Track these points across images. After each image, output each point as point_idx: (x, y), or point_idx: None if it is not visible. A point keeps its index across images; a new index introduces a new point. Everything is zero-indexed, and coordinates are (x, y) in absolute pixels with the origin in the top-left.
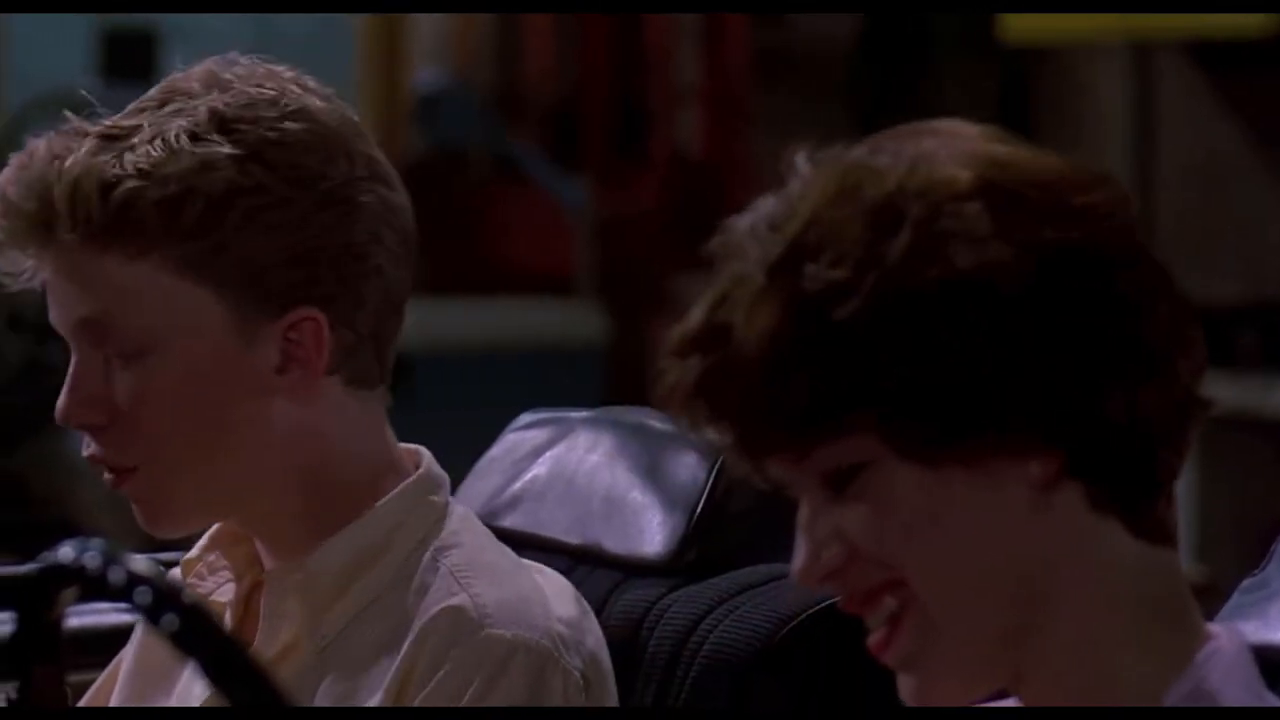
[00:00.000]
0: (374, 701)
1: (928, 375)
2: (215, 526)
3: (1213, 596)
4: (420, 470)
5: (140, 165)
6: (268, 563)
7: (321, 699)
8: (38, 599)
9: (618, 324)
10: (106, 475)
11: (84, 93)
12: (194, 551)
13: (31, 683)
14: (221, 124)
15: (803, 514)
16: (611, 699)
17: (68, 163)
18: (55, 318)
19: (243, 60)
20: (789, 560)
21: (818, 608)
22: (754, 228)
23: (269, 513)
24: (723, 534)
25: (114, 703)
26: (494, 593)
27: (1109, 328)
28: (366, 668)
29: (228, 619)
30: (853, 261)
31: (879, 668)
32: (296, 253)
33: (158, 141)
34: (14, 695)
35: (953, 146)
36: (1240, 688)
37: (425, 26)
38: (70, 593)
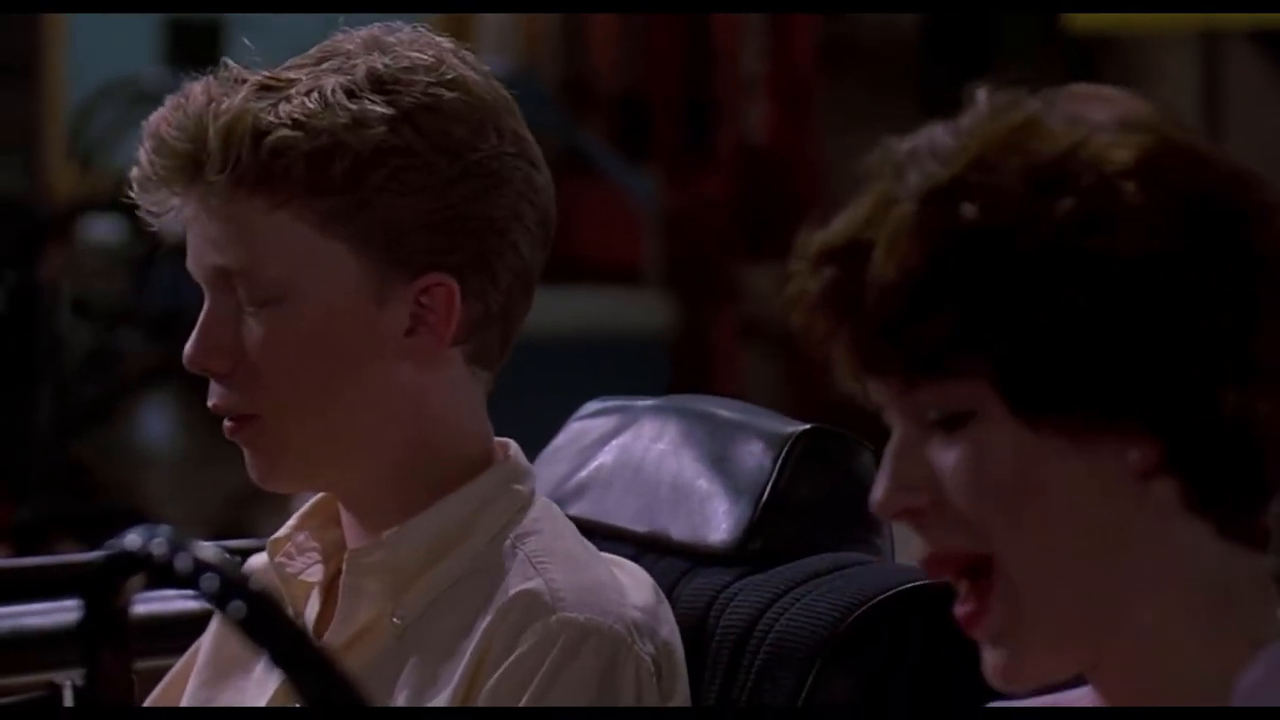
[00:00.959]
0: (451, 685)
1: (1051, 337)
2: (306, 506)
3: None
4: (508, 459)
5: (295, 115)
6: (351, 544)
7: (402, 685)
8: (104, 586)
9: (684, 314)
10: (226, 423)
11: (149, 82)
12: (283, 531)
13: (98, 670)
14: (378, 84)
15: (894, 444)
16: (683, 689)
17: (223, 105)
18: (193, 261)
19: (405, 27)
20: (854, 549)
21: (884, 596)
22: (916, 153)
23: (368, 481)
24: (788, 522)
25: (189, 689)
26: (569, 578)
27: (1239, 326)
28: (445, 652)
29: (314, 599)
30: (1009, 212)
31: (945, 656)
32: (436, 219)
33: (314, 94)
34: (81, 682)
35: (1128, 120)
36: None
37: (492, 18)
38: (137, 580)
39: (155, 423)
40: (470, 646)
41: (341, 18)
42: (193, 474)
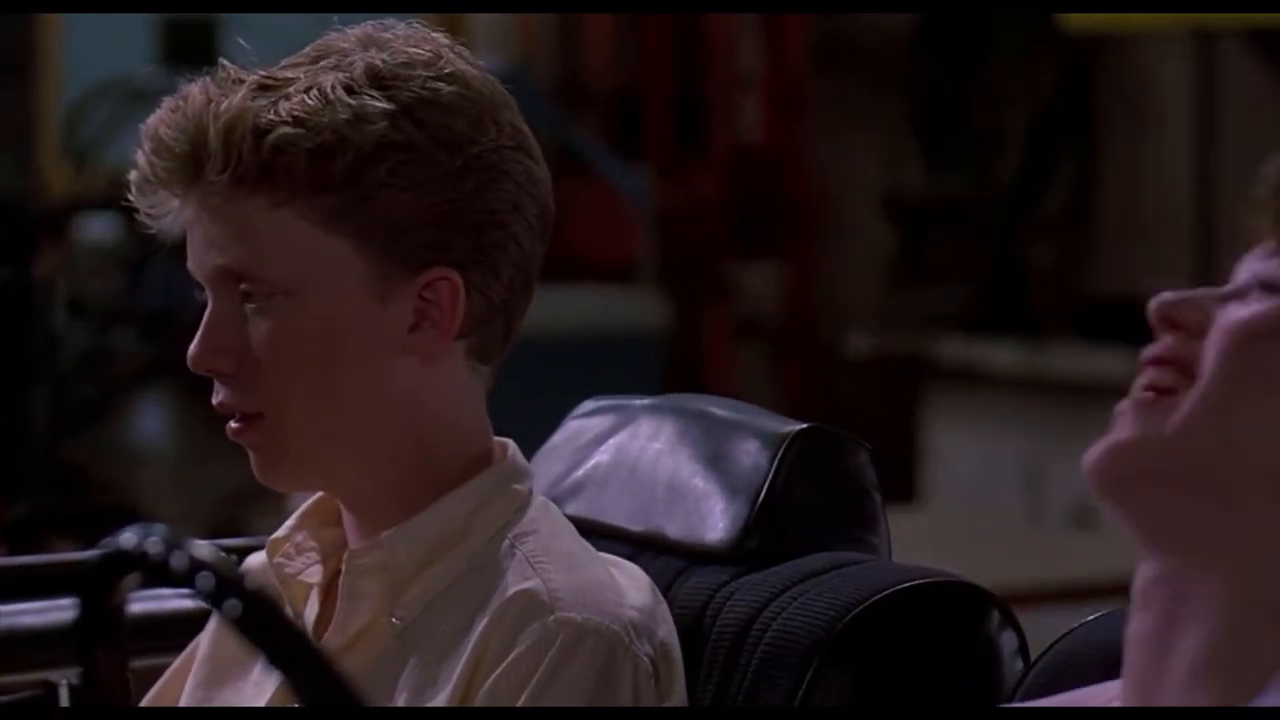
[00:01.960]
0: (450, 685)
1: None
2: (305, 505)
3: None
4: (506, 458)
5: (295, 113)
6: (351, 544)
7: (401, 685)
8: (100, 585)
9: (678, 313)
10: (231, 425)
11: (144, 81)
12: (282, 531)
13: (94, 669)
14: (377, 79)
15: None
16: (680, 689)
17: (222, 105)
18: (194, 263)
19: (400, 24)
20: (851, 548)
21: (880, 596)
22: None
23: (368, 479)
24: (785, 521)
25: (186, 689)
26: (567, 578)
27: None
28: (444, 652)
29: (314, 600)
30: None
31: (941, 655)
32: (438, 213)
33: (313, 92)
34: (76, 681)
35: None
36: None
37: (486, 16)
38: (132, 579)
39: (150, 422)
40: (468, 646)
41: (335, 17)
42: (187, 473)
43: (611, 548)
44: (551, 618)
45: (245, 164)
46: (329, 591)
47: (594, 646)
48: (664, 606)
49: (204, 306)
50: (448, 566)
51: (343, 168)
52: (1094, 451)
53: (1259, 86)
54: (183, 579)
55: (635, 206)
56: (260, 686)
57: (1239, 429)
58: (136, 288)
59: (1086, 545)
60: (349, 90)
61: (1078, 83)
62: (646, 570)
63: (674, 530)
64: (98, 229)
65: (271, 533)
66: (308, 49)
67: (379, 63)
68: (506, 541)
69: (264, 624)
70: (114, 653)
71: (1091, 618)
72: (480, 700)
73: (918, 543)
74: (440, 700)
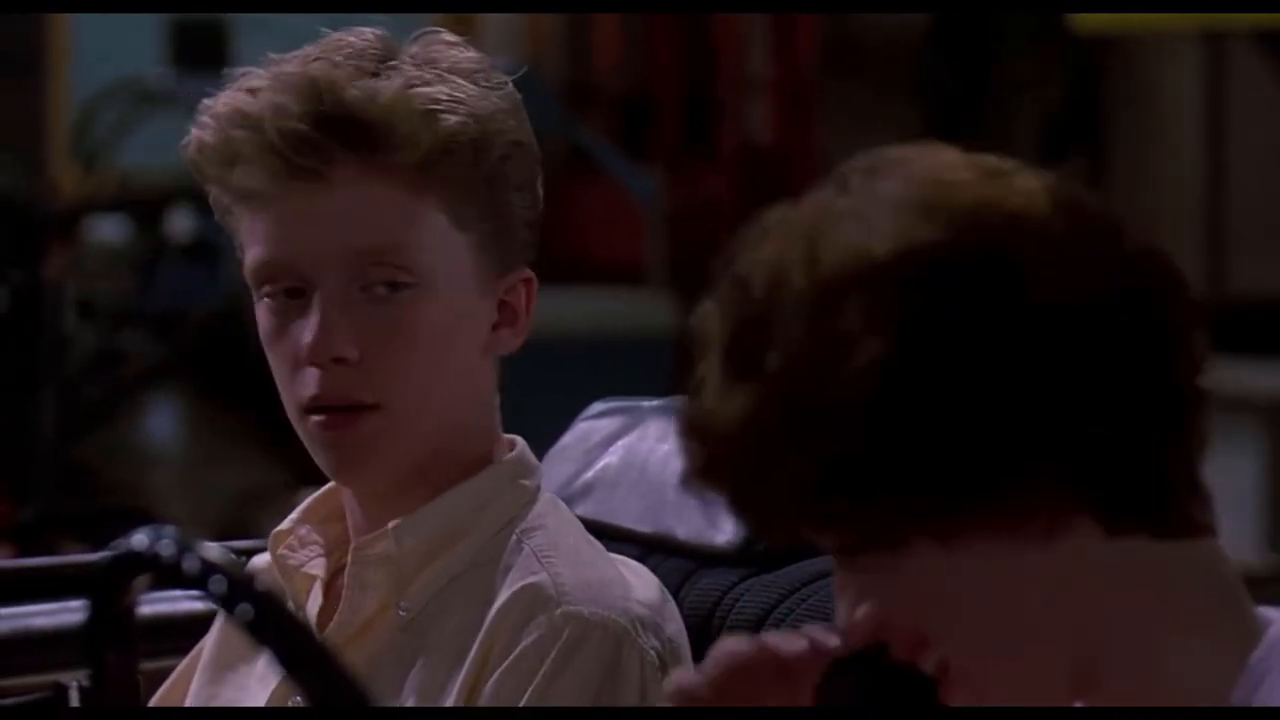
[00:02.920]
0: (458, 679)
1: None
2: (308, 500)
3: None
4: (515, 453)
5: (460, 103)
6: (356, 537)
7: (407, 679)
8: (110, 587)
9: (687, 314)
10: (329, 416)
11: (154, 82)
12: (285, 524)
13: (104, 671)
14: (488, 78)
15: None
16: None
17: (381, 90)
18: (313, 243)
19: (368, 32)
20: None
21: None
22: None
23: (417, 471)
24: None
25: (193, 689)
26: (574, 573)
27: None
28: (450, 646)
29: (317, 593)
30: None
31: None
32: (531, 214)
33: (462, 84)
34: (86, 683)
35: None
36: None
37: (496, 17)
38: (143, 581)
39: (159, 423)
40: (476, 640)
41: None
42: (196, 474)
43: (621, 549)
44: (558, 611)
45: (422, 150)
46: (332, 585)
47: (600, 640)
48: (672, 605)
49: (220, 308)
50: (454, 559)
51: (488, 162)
52: None
53: (1268, 88)
54: (195, 582)
55: (644, 207)
56: (265, 681)
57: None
58: (146, 289)
59: None
60: (488, 85)
61: (1087, 84)
62: (656, 571)
63: (683, 532)
64: (107, 230)
65: None
66: (353, 48)
67: (473, 65)
68: (514, 536)
69: (275, 627)
70: (124, 654)
71: None
72: (487, 694)
73: None
74: (448, 694)
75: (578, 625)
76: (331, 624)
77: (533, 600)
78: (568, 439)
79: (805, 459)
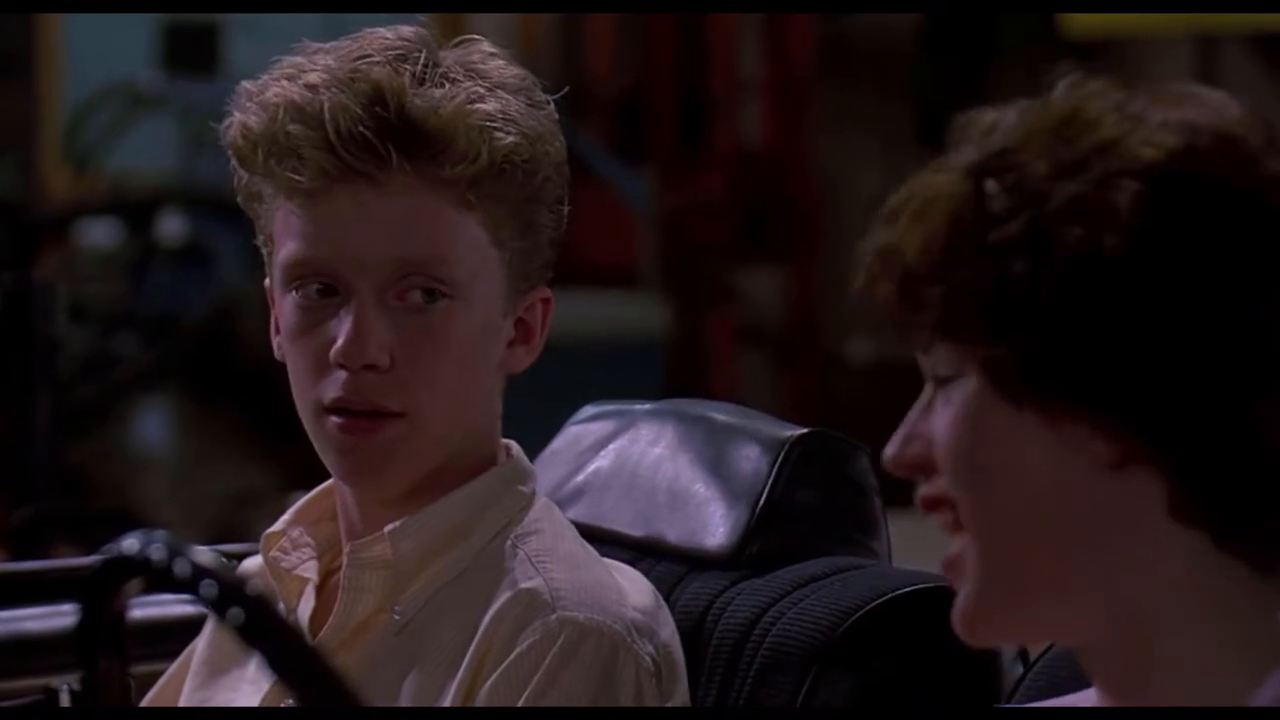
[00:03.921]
0: (453, 684)
1: (1035, 322)
2: (301, 501)
3: None
4: (511, 459)
5: (515, 122)
6: (349, 539)
7: (403, 683)
8: (102, 591)
9: (680, 317)
10: (354, 421)
11: (146, 85)
12: (278, 525)
13: (95, 674)
14: (532, 96)
15: (917, 402)
16: (682, 691)
17: (444, 102)
18: (361, 251)
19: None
20: (851, 553)
21: (881, 600)
22: (980, 125)
23: (417, 479)
24: (785, 526)
25: (185, 692)
26: (569, 578)
27: (1246, 338)
28: (446, 650)
29: (309, 595)
30: (1022, 196)
31: (942, 660)
32: (557, 234)
33: (517, 100)
34: (78, 687)
35: (1183, 123)
36: None
37: (489, 19)
38: (134, 584)
39: (152, 426)
40: (471, 644)
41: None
42: (189, 477)
43: (612, 553)
44: (554, 616)
45: (479, 165)
46: (325, 587)
47: (596, 645)
48: (665, 610)
49: (212, 311)
50: (449, 563)
51: (534, 183)
52: (955, 619)
53: (1260, 90)
54: (186, 586)
55: (637, 210)
56: (257, 684)
57: (1015, 520)
58: (137, 292)
59: None
60: (533, 103)
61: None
62: (648, 575)
63: (675, 535)
64: (99, 233)
65: None
66: (398, 50)
67: (517, 78)
68: (509, 541)
69: (267, 631)
70: (116, 658)
71: None
72: (482, 698)
73: (919, 547)
74: (444, 698)
75: (573, 631)
76: (326, 627)
77: (528, 605)
78: (559, 442)
79: (960, 284)
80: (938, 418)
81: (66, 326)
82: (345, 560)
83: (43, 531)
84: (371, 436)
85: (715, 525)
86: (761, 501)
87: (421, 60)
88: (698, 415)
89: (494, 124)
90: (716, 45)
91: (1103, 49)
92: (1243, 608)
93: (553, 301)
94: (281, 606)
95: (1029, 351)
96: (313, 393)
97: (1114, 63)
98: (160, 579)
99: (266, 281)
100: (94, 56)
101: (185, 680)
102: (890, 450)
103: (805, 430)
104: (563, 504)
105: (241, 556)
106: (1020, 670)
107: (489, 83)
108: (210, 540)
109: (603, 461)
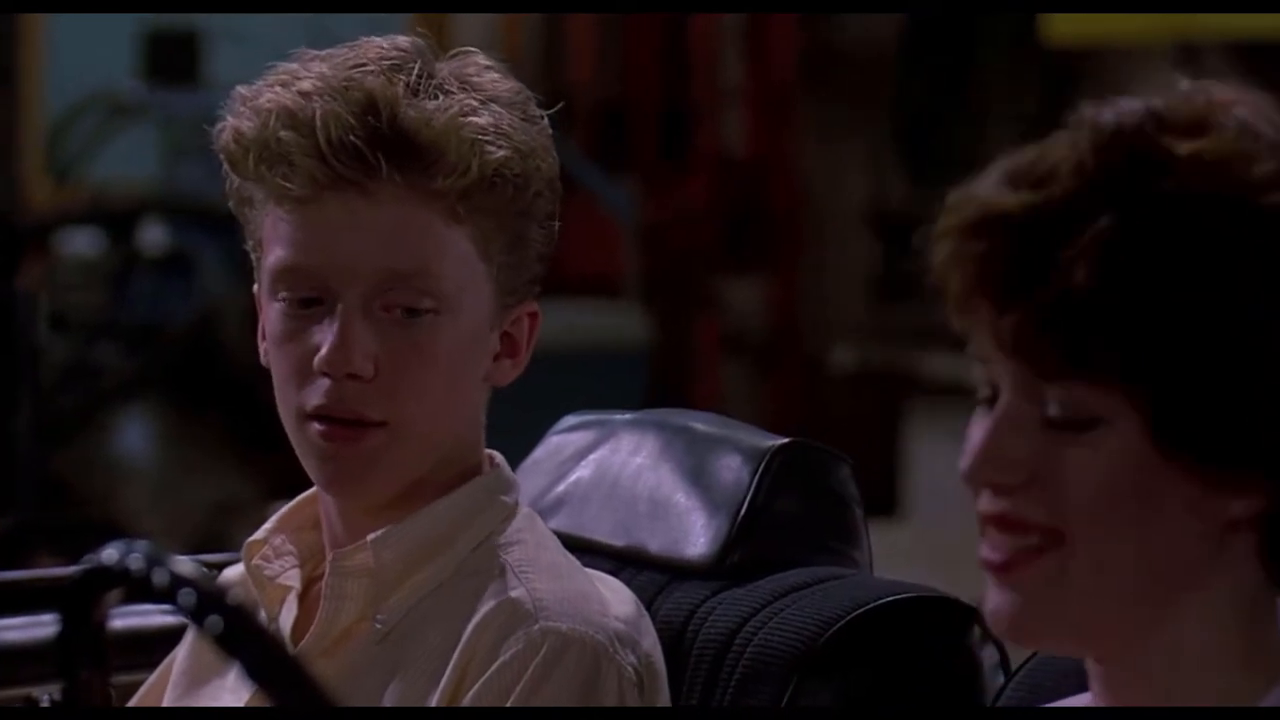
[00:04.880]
0: (436, 693)
1: (1215, 386)
2: (284, 509)
3: None
4: (495, 470)
5: (506, 136)
6: (331, 548)
7: (385, 693)
8: (82, 601)
9: (663, 326)
10: (335, 429)
11: (128, 95)
12: (260, 533)
13: (76, 685)
14: (518, 108)
15: (999, 414)
16: (664, 700)
17: (437, 114)
18: (349, 260)
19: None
20: (833, 563)
21: (862, 610)
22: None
23: (399, 488)
24: (767, 536)
25: (165, 702)
26: (552, 588)
27: None
28: (429, 659)
29: (291, 604)
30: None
31: (923, 669)
32: (546, 249)
33: (511, 115)
34: (58, 697)
35: None
36: None
37: (470, 29)
38: (114, 595)
39: (133, 435)
40: (454, 653)
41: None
42: (171, 486)
43: (593, 563)
44: (536, 627)
45: (470, 178)
46: (307, 595)
47: (579, 656)
48: (647, 620)
49: (194, 320)
50: (432, 573)
51: (525, 198)
52: (998, 618)
53: None
54: (165, 595)
55: (619, 220)
56: (237, 693)
57: (1113, 556)
58: (119, 302)
59: None
60: (526, 118)
61: (1061, 96)
62: (628, 585)
63: (656, 545)
64: (80, 243)
65: None
66: (392, 60)
67: (511, 92)
68: (492, 550)
69: (246, 640)
70: (96, 668)
71: None
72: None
73: (900, 557)
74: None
75: (556, 640)
76: (308, 635)
77: (511, 615)
78: (540, 452)
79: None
80: (1067, 457)
81: (48, 336)
82: (328, 569)
83: (24, 541)
84: (353, 445)
85: (696, 535)
86: (743, 511)
87: (416, 71)
88: (679, 425)
89: (486, 137)
90: (699, 54)
91: (1084, 59)
92: (1259, 619)
93: (540, 316)
94: (263, 615)
95: (1208, 414)
96: (296, 399)
97: (1095, 72)
98: (139, 589)
99: (255, 287)
100: (75, 66)
101: (165, 690)
102: (974, 467)
103: (786, 440)
104: (544, 514)
105: (223, 566)
106: (1001, 679)
107: (483, 96)
108: (193, 549)
109: (584, 471)
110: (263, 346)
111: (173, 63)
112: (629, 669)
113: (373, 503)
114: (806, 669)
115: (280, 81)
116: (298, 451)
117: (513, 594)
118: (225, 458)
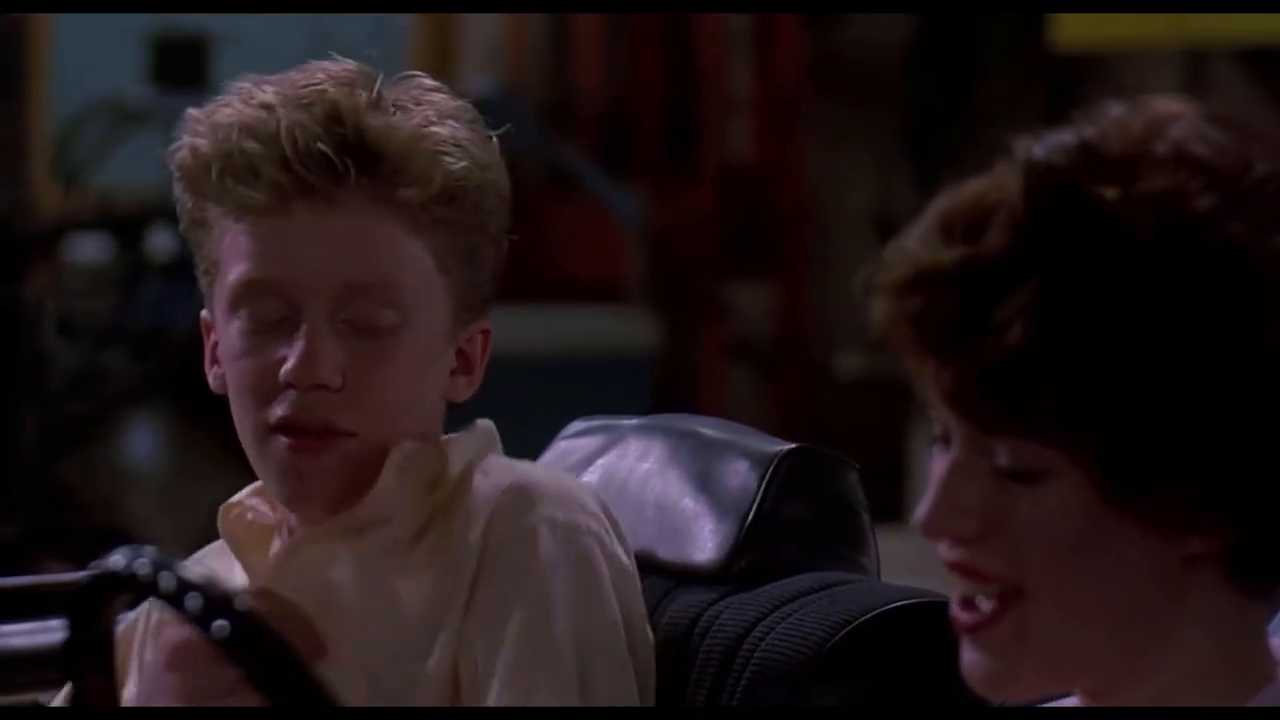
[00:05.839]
0: (462, 599)
1: (1161, 434)
2: (259, 483)
3: None
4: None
5: (463, 148)
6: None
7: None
8: (89, 607)
9: (668, 332)
10: (304, 440)
11: (135, 101)
12: (237, 497)
13: (83, 690)
14: (476, 126)
15: (950, 466)
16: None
17: (400, 125)
18: (312, 271)
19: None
20: (840, 568)
21: (870, 616)
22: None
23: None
24: (774, 541)
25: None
26: (548, 478)
27: None
28: (449, 565)
29: (279, 541)
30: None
31: (931, 675)
32: (499, 265)
33: (465, 131)
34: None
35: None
36: None
37: (476, 34)
38: (122, 600)
39: (140, 441)
40: (471, 547)
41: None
42: (177, 492)
43: None
44: (542, 511)
45: (433, 189)
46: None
47: (587, 541)
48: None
49: (196, 327)
50: (439, 494)
51: (481, 211)
52: (973, 677)
53: (1248, 104)
54: (171, 600)
55: (625, 226)
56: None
57: (1075, 606)
58: (126, 307)
59: None
60: (477, 134)
61: (1067, 100)
62: None
63: (663, 550)
64: (88, 249)
65: None
66: (340, 79)
67: (459, 109)
68: (482, 466)
69: (252, 644)
70: (103, 673)
71: None
72: (479, 603)
73: (907, 563)
74: (455, 614)
75: (564, 527)
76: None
77: (515, 501)
78: (547, 458)
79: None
80: (1017, 508)
81: (55, 342)
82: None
83: (31, 547)
84: (318, 456)
85: (703, 540)
86: (750, 517)
87: (372, 88)
88: (686, 430)
89: (445, 149)
90: (705, 61)
91: (1090, 64)
92: (1239, 634)
93: (491, 333)
94: (250, 558)
95: (1144, 456)
96: (258, 414)
97: (1101, 78)
98: (146, 594)
99: (204, 313)
100: (82, 72)
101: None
102: (928, 518)
103: (793, 445)
104: None
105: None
106: None
107: (437, 111)
108: None
109: (591, 477)
110: (214, 372)
111: (180, 68)
112: (619, 555)
113: (329, 513)
114: (813, 674)
115: (238, 98)
116: (258, 470)
117: (515, 481)
118: (232, 463)
